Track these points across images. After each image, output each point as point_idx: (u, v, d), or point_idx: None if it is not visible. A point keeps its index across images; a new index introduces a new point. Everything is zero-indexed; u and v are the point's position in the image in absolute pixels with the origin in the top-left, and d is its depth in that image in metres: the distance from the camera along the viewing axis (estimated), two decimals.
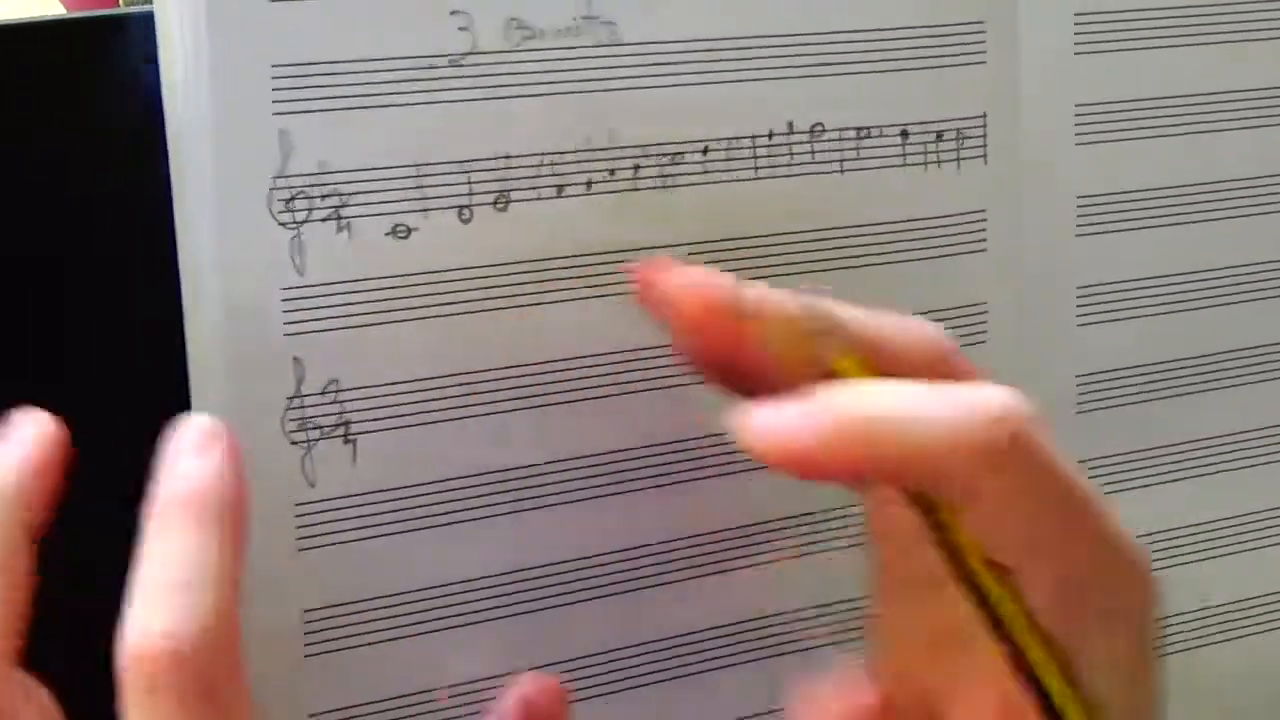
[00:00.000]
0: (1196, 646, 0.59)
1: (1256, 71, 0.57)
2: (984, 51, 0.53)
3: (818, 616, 0.52)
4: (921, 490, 0.38)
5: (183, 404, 0.44)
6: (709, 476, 0.50)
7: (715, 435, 0.50)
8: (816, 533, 0.51)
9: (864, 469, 0.37)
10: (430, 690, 0.47)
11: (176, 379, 0.44)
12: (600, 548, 0.49)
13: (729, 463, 0.50)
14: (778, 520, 0.51)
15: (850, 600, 0.52)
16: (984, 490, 0.37)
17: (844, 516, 0.51)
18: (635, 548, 0.49)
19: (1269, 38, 0.57)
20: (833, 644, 0.52)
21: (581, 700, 0.49)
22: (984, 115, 0.53)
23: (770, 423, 0.38)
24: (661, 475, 0.50)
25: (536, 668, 0.48)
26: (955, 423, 0.37)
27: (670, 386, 0.49)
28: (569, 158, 0.47)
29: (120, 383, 0.46)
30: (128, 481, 0.42)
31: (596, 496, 0.49)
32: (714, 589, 0.50)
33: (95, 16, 0.48)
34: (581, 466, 0.48)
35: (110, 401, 0.45)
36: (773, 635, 0.51)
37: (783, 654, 0.51)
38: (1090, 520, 0.38)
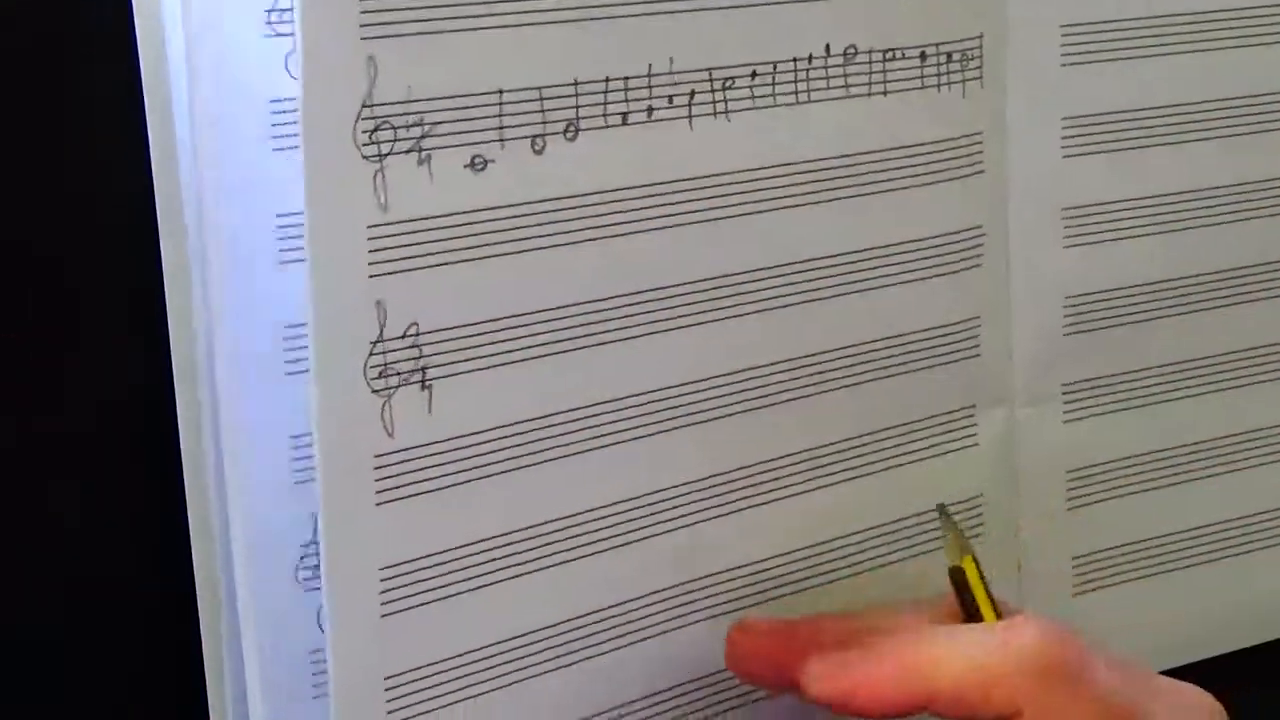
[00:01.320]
0: (1187, 566, 0.60)
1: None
2: None
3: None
4: None
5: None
6: (785, 401, 0.49)
7: (789, 360, 0.49)
8: None
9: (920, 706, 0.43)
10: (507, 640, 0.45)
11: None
12: (675, 480, 0.48)
13: (806, 385, 0.49)
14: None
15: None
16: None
17: None
18: (709, 476, 0.48)
19: None
20: None
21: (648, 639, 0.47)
22: (980, 35, 0.53)
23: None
24: (739, 404, 0.48)
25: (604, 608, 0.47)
26: (990, 663, 0.43)
27: (753, 313, 0.48)
28: (634, 84, 0.45)
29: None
30: None
31: (677, 428, 0.47)
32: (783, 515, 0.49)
33: None
34: (662, 399, 0.47)
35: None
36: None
37: None
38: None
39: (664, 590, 0.48)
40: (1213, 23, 0.58)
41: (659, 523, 0.48)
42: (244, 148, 0.44)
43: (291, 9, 0.39)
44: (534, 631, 0.46)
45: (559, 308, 0.45)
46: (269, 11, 0.44)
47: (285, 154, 0.43)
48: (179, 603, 0.45)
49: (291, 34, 0.40)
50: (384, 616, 0.43)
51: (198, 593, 0.45)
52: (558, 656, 0.46)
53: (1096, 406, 0.58)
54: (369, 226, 0.41)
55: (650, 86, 0.46)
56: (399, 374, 0.42)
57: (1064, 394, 0.57)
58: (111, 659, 0.46)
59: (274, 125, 0.44)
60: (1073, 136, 0.56)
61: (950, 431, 0.54)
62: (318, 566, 0.42)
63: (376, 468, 0.42)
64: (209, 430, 0.45)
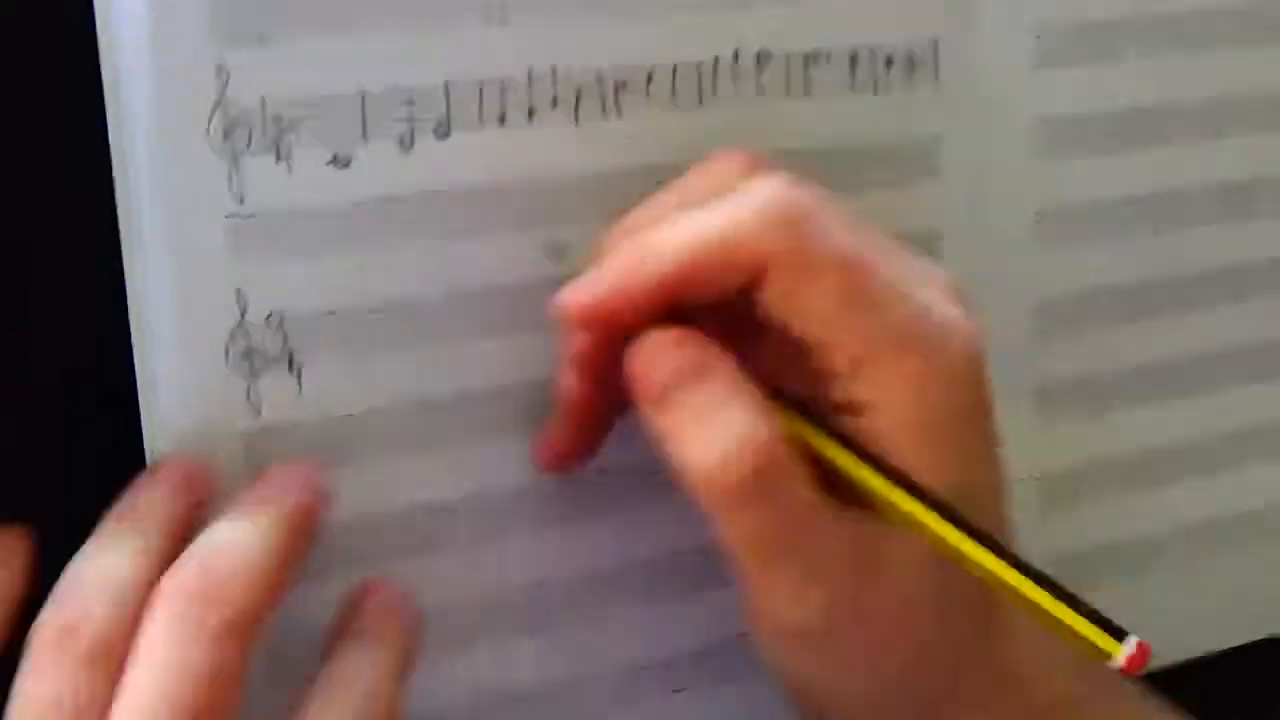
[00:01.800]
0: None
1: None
2: None
3: None
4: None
5: (125, 337, 0.44)
6: None
7: None
8: None
9: (669, 287, 0.43)
10: None
11: (118, 314, 0.44)
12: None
13: None
14: None
15: None
16: (770, 273, 0.42)
17: None
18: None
19: None
20: None
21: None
22: (936, 39, 0.53)
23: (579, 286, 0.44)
24: None
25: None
26: (725, 223, 0.43)
27: None
28: (512, 86, 0.47)
29: (62, 314, 0.45)
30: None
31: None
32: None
33: None
34: (529, 392, 0.48)
35: (52, 333, 0.45)
36: None
37: None
38: (881, 289, 0.43)
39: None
40: (1190, 23, 0.57)
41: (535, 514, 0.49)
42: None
43: None
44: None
45: (425, 299, 0.47)
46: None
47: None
48: None
49: None
50: None
51: None
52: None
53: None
54: (225, 218, 0.44)
55: (532, 89, 0.48)
56: (265, 357, 0.45)
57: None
58: None
59: None
60: (1046, 138, 0.56)
61: None
62: None
63: (245, 444, 0.45)
64: None
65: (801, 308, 0.42)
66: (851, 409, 0.43)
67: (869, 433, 0.43)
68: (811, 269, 0.42)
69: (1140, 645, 0.40)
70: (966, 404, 0.44)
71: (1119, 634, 0.40)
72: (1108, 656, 0.41)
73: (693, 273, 0.43)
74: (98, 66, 0.44)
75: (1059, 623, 0.41)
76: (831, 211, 0.43)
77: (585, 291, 0.44)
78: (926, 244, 0.53)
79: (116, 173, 0.44)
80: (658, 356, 0.43)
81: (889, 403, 0.43)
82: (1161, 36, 0.57)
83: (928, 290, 0.44)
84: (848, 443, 0.43)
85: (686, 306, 0.43)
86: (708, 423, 0.42)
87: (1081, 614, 0.41)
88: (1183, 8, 0.57)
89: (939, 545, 0.42)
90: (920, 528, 0.42)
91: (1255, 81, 0.59)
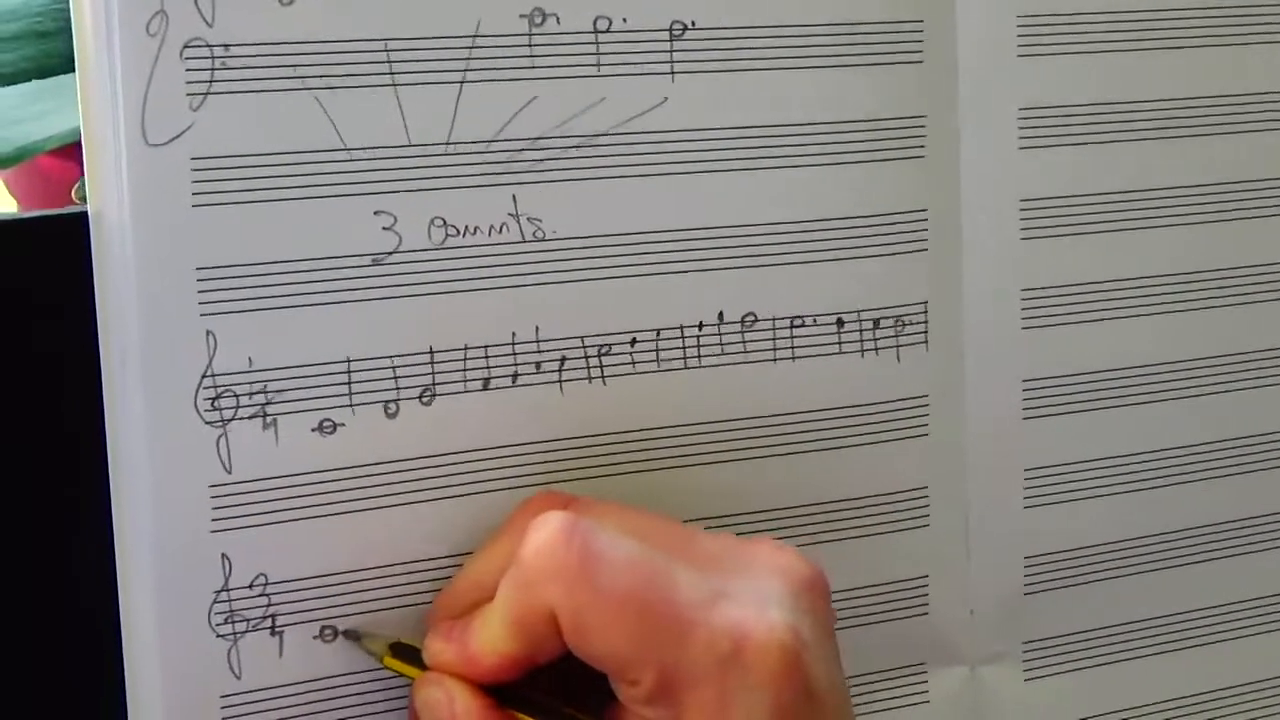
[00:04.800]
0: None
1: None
2: (926, 234, 0.53)
3: None
4: None
5: (112, 599, 0.45)
6: None
7: None
8: None
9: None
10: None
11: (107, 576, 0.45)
12: None
13: None
14: None
15: None
16: (560, 624, 0.43)
17: None
18: None
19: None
20: None
21: None
22: (925, 302, 0.54)
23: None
24: None
25: None
26: (510, 610, 0.44)
27: None
28: (495, 351, 0.48)
29: (48, 569, 0.46)
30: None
31: None
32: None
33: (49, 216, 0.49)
34: None
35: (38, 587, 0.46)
36: None
37: None
38: (672, 618, 0.43)
39: None
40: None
41: None
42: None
43: None
44: None
45: (412, 562, 0.48)
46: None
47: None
48: None
49: None
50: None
51: None
52: None
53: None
54: (210, 486, 0.45)
55: (515, 354, 0.49)
56: (247, 620, 0.46)
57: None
58: None
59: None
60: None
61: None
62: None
63: (223, 708, 0.46)
64: None
65: (593, 652, 0.43)
66: None
67: None
68: (594, 617, 0.43)
69: None
70: (779, 714, 0.43)
71: None
72: None
73: (514, 661, 0.44)
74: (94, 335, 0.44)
75: None
76: (603, 552, 0.43)
77: (441, 656, 0.46)
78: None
79: (110, 439, 0.44)
80: (416, 697, 0.46)
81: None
82: (1148, 300, 0.57)
83: (741, 598, 0.43)
84: None
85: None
86: None
87: None
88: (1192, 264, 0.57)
89: None
90: None
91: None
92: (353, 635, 0.47)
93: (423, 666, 0.45)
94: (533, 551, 0.43)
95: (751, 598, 0.43)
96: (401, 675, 0.46)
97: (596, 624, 0.42)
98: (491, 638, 0.44)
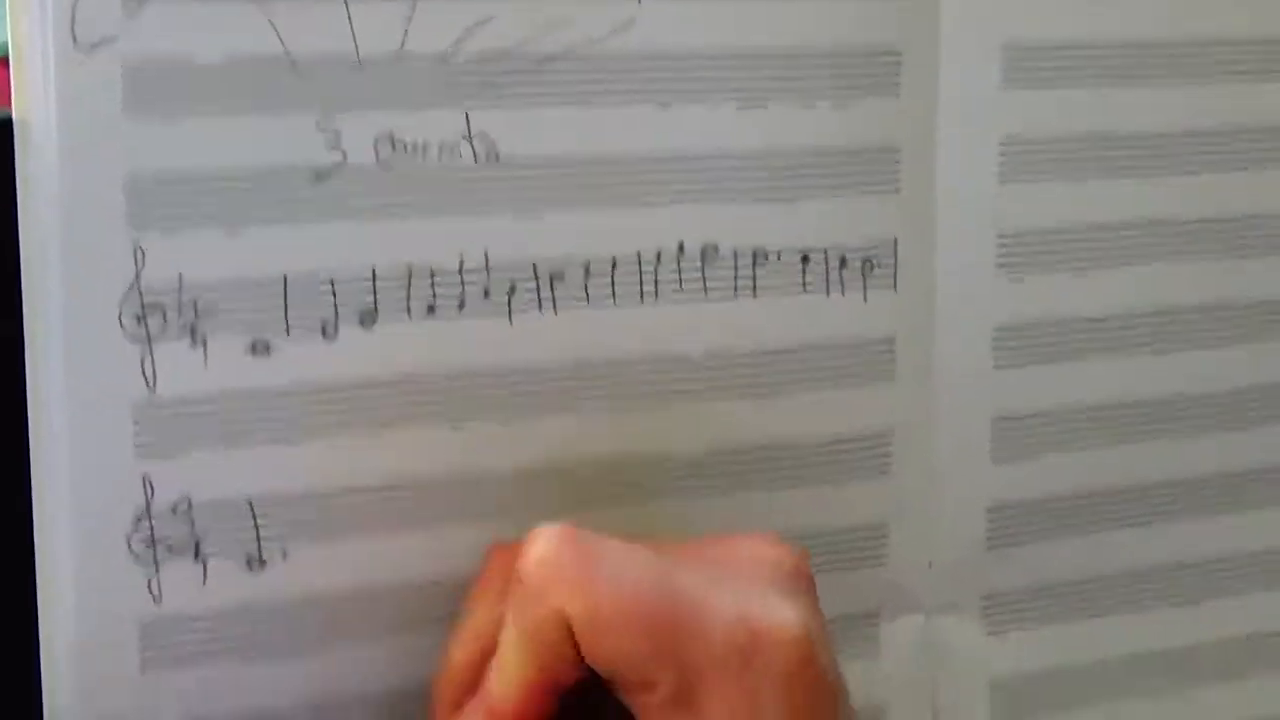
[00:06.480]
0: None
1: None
2: (899, 173, 0.52)
3: None
4: None
5: (26, 522, 0.43)
6: None
7: None
8: None
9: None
10: None
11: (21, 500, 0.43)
12: None
13: None
14: None
15: None
16: (575, 633, 0.41)
17: None
18: None
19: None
20: None
21: None
22: (895, 241, 0.52)
23: None
24: None
25: None
26: (524, 641, 0.43)
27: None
28: (441, 277, 0.46)
29: None
30: None
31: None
32: None
33: None
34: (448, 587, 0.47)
35: None
36: None
37: None
38: (688, 620, 0.42)
39: None
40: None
41: None
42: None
43: None
44: None
45: (346, 489, 0.46)
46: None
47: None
48: None
49: None
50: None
51: None
52: None
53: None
54: (133, 405, 0.43)
55: (463, 281, 0.47)
56: (169, 547, 0.44)
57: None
58: None
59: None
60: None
61: None
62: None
63: (143, 635, 0.44)
64: None
65: (610, 662, 0.42)
66: None
67: None
68: (608, 626, 0.41)
69: None
70: (797, 707, 0.42)
71: None
72: None
73: (538, 687, 0.43)
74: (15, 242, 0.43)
75: None
76: (608, 553, 0.43)
77: None
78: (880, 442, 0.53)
79: (28, 352, 0.42)
80: None
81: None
82: (1136, 237, 0.55)
83: (744, 593, 0.43)
84: None
85: None
86: None
87: None
88: (1169, 213, 0.55)
89: None
90: None
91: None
92: None
93: None
94: (536, 562, 0.42)
95: (752, 591, 0.43)
96: None
97: (611, 622, 0.41)
98: (508, 670, 0.43)
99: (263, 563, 0.45)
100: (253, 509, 0.45)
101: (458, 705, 0.44)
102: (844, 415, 0.52)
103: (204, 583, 0.45)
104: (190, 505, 0.44)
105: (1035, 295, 0.54)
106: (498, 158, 0.47)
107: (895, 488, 0.53)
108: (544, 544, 0.42)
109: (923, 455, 0.53)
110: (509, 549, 0.44)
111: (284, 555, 0.46)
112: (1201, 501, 0.58)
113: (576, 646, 0.41)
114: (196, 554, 0.45)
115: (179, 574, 0.44)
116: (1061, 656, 0.57)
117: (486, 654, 0.44)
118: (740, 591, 0.43)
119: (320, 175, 0.45)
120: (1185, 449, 0.57)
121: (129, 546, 0.44)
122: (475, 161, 0.46)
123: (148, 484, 0.44)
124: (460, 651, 0.45)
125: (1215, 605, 0.59)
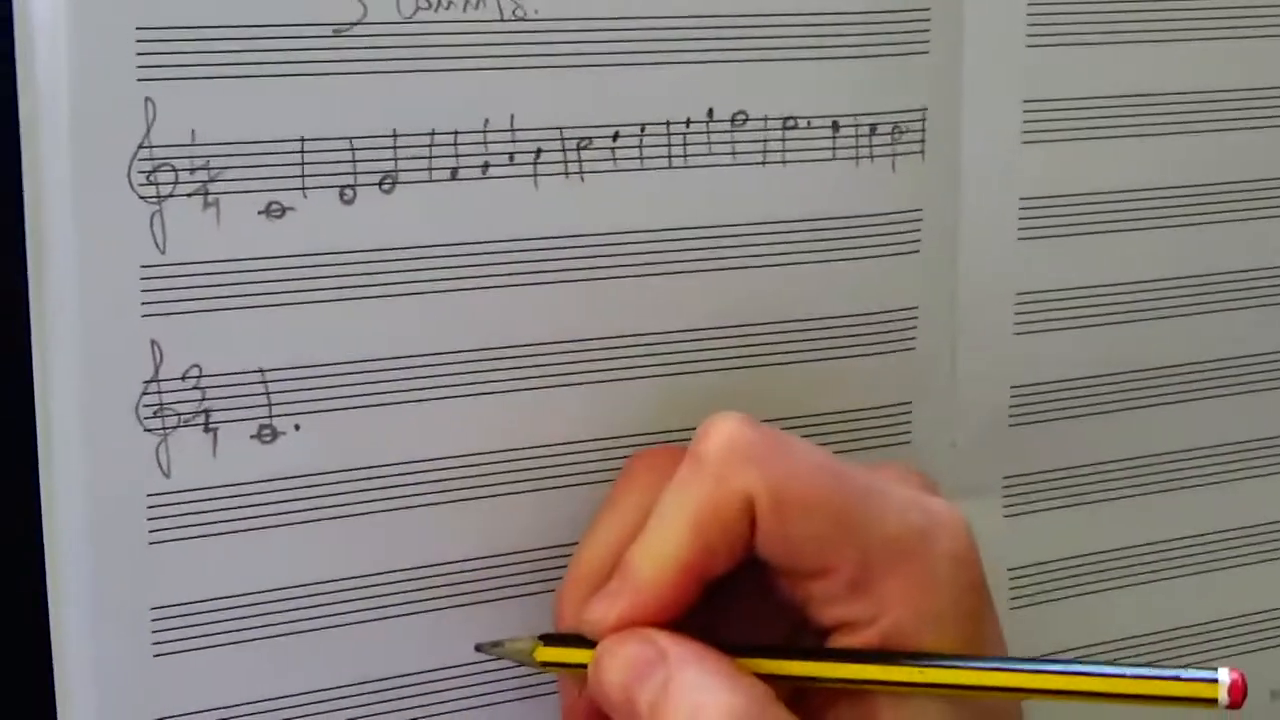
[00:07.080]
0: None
1: (1215, 74, 0.54)
2: (928, 35, 0.49)
3: None
4: None
5: (28, 389, 0.41)
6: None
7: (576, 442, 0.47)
8: None
9: None
10: (275, 698, 0.44)
11: (22, 361, 0.41)
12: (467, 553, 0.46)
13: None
14: None
15: None
16: (757, 518, 0.41)
17: None
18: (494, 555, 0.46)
19: (1229, 36, 0.54)
20: None
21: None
22: (924, 109, 0.50)
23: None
24: (524, 481, 0.47)
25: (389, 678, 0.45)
26: (700, 501, 0.42)
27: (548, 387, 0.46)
28: (464, 138, 0.44)
29: None
30: None
31: (463, 499, 0.46)
32: None
33: None
34: (451, 467, 0.46)
35: None
36: None
37: None
38: (865, 506, 0.42)
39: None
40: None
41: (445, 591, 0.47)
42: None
43: None
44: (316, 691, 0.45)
45: (358, 361, 0.44)
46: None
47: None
48: None
49: None
50: (156, 657, 0.43)
51: None
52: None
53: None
54: (142, 266, 0.41)
55: (487, 143, 0.44)
56: (178, 415, 0.42)
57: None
58: None
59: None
60: (1028, 219, 0.53)
61: None
62: None
63: (150, 506, 0.42)
64: None
65: (792, 544, 0.42)
66: (848, 628, 0.43)
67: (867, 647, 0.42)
68: (795, 503, 0.41)
69: (1234, 672, 0.39)
70: (964, 597, 0.43)
71: (1207, 677, 0.39)
72: (1212, 701, 0.39)
73: (696, 572, 0.42)
74: (14, 95, 0.40)
75: (1151, 698, 0.40)
76: (789, 439, 0.43)
77: (611, 612, 0.42)
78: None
79: (29, 209, 0.40)
80: (610, 665, 0.42)
81: (888, 615, 0.42)
82: (1152, 118, 0.53)
83: (905, 490, 0.44)
84: (831, 655, 0.42)
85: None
86: (677, 708, 0.40)
87: (1164, 679, 0.40)
88: (1209, 83, 0.54)
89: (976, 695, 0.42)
90: (951, 691, 0.42)
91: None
92: (490, 646, 0.45)
93: (588, 644, 0.42)
94: (722, 442, 0.42)
95: (910, 489, 0.44)
96: (562, 671, 0.44)
97: (798, 501, 0.41)
98: (665, 553, 0.42)
99: (275, 435, 0.43)
100: (264, 378, 0.43)
101: (592, 592, 0.43)
102: (870, 289, 0.50)
103: (214, 455, 0.42)
104: (200, 373, 0.42)
105: (1062, 166, 0.52)
106: (525, 13, 0.44)
107: (919, 363, 0.51)
108: (730, 427, 0.42)
109: (946, 330, 0.51)
110: (659, 451, 0.45)
111: (296, 427, 0.43)
112: (1225, 383, 0.56)
113: (752, 530, 0.41)
114: (206, 425, 0.42)
115: (188, 445, 0.42)
116: (1081, 541, 0.55)
117: (622, 553, 0.43)
118: (904, 488, 0.44)
119: (339, 29, 0.42)
120: (1211, 327, 0.56)
121: (137, 415, 0.42)
122: (501, 17, 0.44)
123: (156, 349, 0.42)
124: (591, 551, 0.44)
125: (1238, 489, 0.57)
